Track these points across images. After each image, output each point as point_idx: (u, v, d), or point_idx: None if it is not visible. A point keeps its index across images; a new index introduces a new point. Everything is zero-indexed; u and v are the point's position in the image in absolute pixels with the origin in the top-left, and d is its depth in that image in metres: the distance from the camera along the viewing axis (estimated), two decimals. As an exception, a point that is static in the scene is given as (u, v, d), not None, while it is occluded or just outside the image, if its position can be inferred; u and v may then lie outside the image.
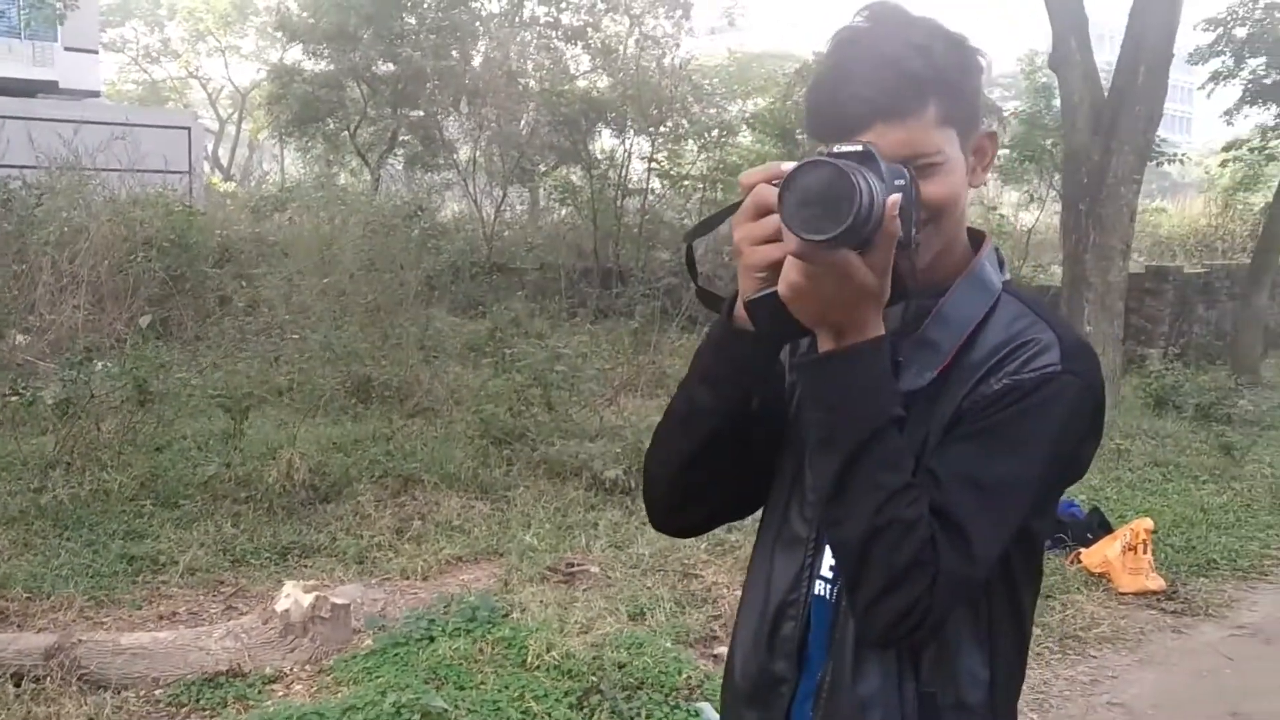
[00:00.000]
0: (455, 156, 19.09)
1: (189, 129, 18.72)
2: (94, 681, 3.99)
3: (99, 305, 9.88)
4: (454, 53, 18.73)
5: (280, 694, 4.11)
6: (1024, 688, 1.44)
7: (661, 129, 15.89)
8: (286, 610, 4.36)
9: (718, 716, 1.57)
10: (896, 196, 1.17)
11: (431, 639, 4.45)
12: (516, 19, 19.79)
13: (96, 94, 22.93)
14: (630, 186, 16.31)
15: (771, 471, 1.47)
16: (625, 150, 16.50)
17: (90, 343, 8.40)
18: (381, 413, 8.16)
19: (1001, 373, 1.28)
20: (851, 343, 1.22)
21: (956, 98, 1.31)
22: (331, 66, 19.10)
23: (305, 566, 5.47)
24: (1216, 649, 5.15)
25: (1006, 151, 15.37)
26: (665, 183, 16.58)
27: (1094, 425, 1.34)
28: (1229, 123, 15.64)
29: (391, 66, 18.63)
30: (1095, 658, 4.95)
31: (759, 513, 1.53)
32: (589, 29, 19.01)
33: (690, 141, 16.47)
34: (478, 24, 19.36)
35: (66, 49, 21.16)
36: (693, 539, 5.43)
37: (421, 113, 19.16)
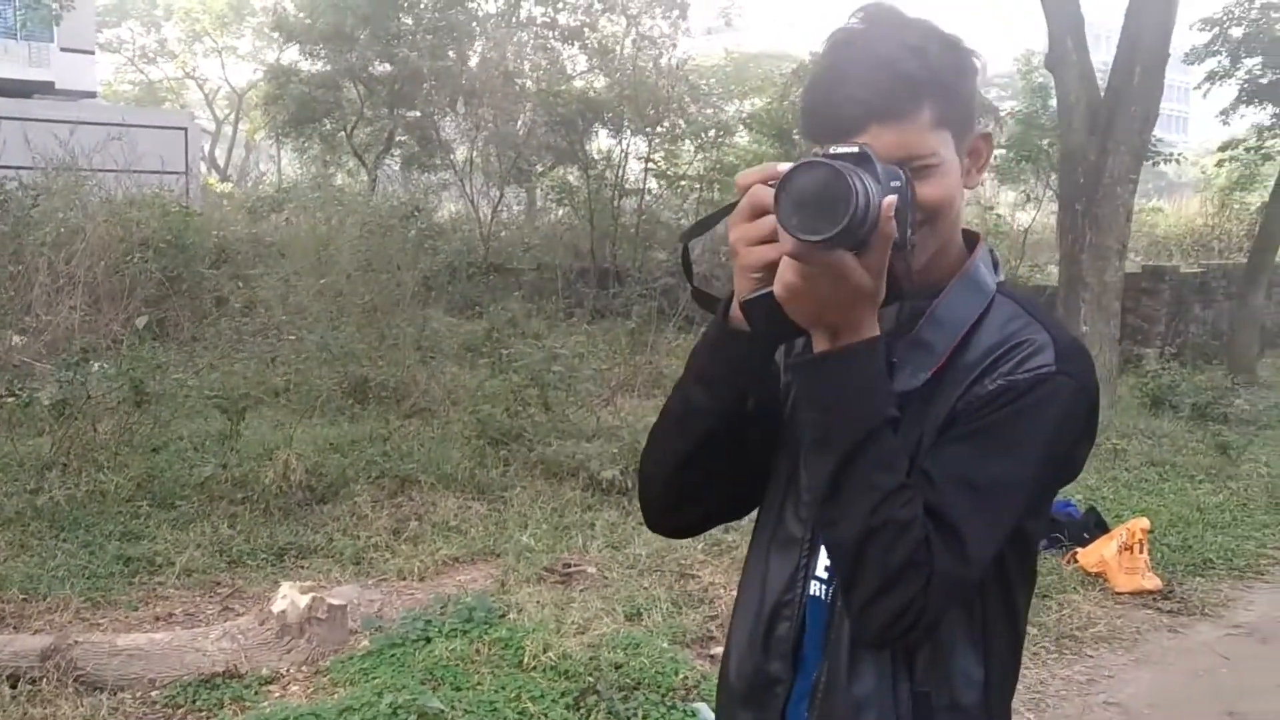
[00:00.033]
0: (452, 157, 19.08)
1: (185, 129, 18.70)
2: (90, 683, 3.98)
3: (95, 306, 9.87)
4: (451, 53, 18.72)
5: (277, 695, 4.11)
6: (1020, 687, 1.45)
7: (658, 129, 15.89)
8: (283, 611, 4.36)
9: (714, 717, 1.57)
10: (892, 198, 1.17)
11: (428, 640, 4.45)
12: (513, 19, 19.77)
13: (93, 95, 22.91)
14: (627, 187, 16.31)
15: (767, 472, 1.47)
16: (622, 150, 16.51)
17: (86, 344, 8.38)
18: (378, 413, 8.16)
19: (996, 374, 1.29)
20: (847, 343, 1.23)
21: (951, 100, 1.31)
22: (328, 67, 19.09)
23: (302, 567, 5.46)
24: (1213, 648, 5.16)
25: (1003, 151, 15.39)
26: (662, 183, 16.58)
27: (1088, 426, 1.34)
28: (1225, 122, 15.64)
29: (388, 67, 18.62)
30: (1092, 657, 4.95)
31: (755, 513, 1.53)
32: (586, 29, 19.00)
33: (687, 142, 16.48)
34: (474, 24, 19.35)
35: (62, 50, 21.15)
36: (689, 539, 5.43)
37: (418, 113, 19.14)
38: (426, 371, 9.15)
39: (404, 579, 5.38)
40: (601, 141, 17.67)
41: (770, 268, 1.21)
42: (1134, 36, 9.25)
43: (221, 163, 36.50)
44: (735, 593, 1.54)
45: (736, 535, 5.65)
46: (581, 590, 5.18)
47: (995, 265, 1.41)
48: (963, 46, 1.34)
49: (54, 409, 6.53)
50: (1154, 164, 14.84)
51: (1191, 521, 6.86)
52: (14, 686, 3.88)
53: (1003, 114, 16.36)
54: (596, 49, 18.67)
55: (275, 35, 21.88)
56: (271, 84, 20.63)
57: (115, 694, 3.97)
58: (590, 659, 4.30)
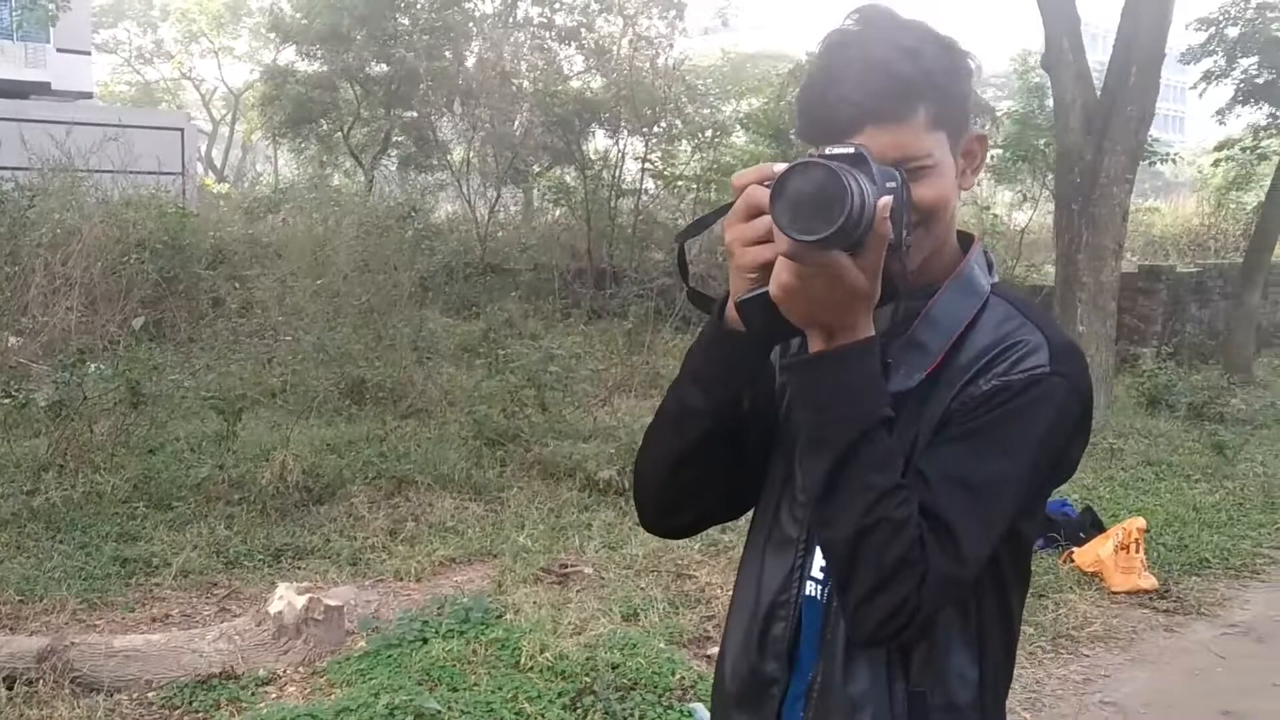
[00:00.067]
0: (449, 157, 19.09)
1: (182, 130, 18.71)
2: (87, 684, 3.98)
3: (92, 307, 9.86)
4: (447, 53, 18.72)
5: (273, 696, 4.11)
6: (1017, 687, 1.46)
7: (655, 129, 15.91)
8: (280, 612, 4.36)
9: (710, 718, 1.57)
10: (888, 199, 1.18)
11: (425, 640, 4.45)
12: (510, 19, 19.77)
13: (89, 95, 22.91)
14: (624, 187, 16.33)
15: (762, 473, 1.47)
16: (619, 151, 16.52)
17: (83, 345, 8.36)
18: (375, 414, 8.16)
19: (990, 374, 1.29)
20: (842, 343, 1.23)
21: (947, 101, 1.31)
22: (325, 67, 19.09)
23: (298, 568, 5.46)
24: (1209, 648, 5.16)
25: (1000, 151, 15.40)
26: (659, 183, 16.60)
27: (1082, 426, 1.34)
28: (1221, 122, 15.66)
29: (385, 67, 18.63)
30: (1088, 657, 4.96)
31: (750, 513, 1.53)
32: (582, 29, 19.00)
33: (684, 142, 16.50)
34: (471, 25, 19.35)
35: (59, 50, 21.14)
36: (686, 540, 5.43)
37: (415, 114, 19.15)
38: (423, 372, 9.15)
39: (401, 580, 5.38)
40: (598, 142, 17.69)
41: (766, 268, 1.21)
42: (1130, 36, 9.26)
43: (218, 163, 36.46)
44: (732, 593, 1.54)
45: (733, 535, 5.65)
46: (578, 591, 5.18)
47: (990, 266, 1.42)
48: (958, 48, 1.34)
49: (50, 410, 6.52)
50: (1150, 164, 14.87)
51: (1187, 521, 6.86)
52: (10, 688, 3.88)
53: (999, 114, 16.38)
54: (593, 49, 18.68)
55: (272, 36, 21.88)
56: (268, 84, 20.64)
57: (112, 695, 3.97)
58: (587, 659, 4.30)
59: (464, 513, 6.33)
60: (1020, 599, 1.42)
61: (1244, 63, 14.30)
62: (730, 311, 1.31)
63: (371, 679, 4.13)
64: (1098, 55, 10.76)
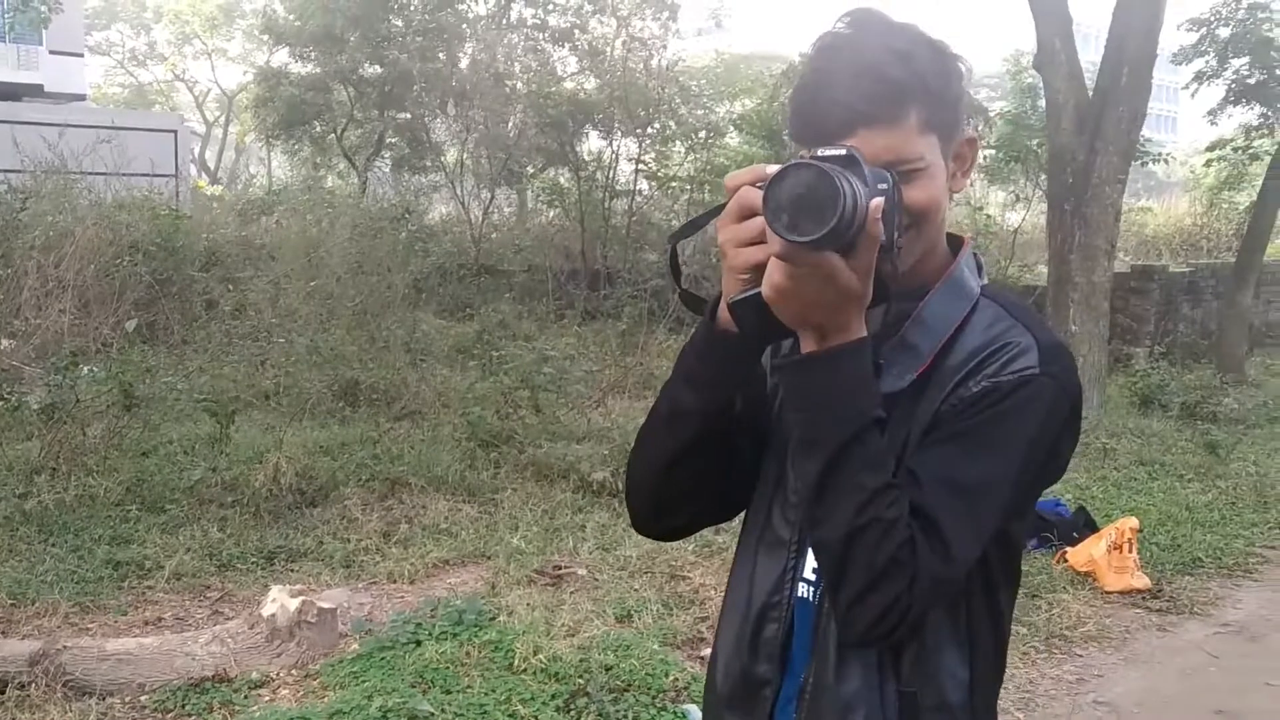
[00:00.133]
0: (442, 159, 19.08)
1: (175, 132, 18.71)
2: (79, 688, 3.97)
3: (85, 309, 9.85)
4: (441, 55, 18.72)
5: (267, 699, 4.10)
6: (1010, 687, 1.46)
7: (649, 130, 15.90)
8: (273, 615, 4.35)
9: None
10: (879, 200, 1.18)
11: (418, 643, 4.45)
12: (503, 21, 19.78)
13: (82, 97, 22.88)
14: (618, 188, 16.32)
15: (755, 474, 1.48)
16: (613, 152, 16.52)
17: (76, 347, 8.35)
18: (368, 416, 8.15)
19: (980, 375, 1.30)
20: (834, 344, 1.23)
21: (938, 104, 1.31)
22: (318, 69, 19.08)
23: (292, 571, 5.45)
24: (1201, 647, 5.17)
25: (993, 152, 15.43)
26: (653, 184, 16.59)
27: (1071, 426, 1.35)
28: (1213, 122, 15.71)
29: (378, 69, 18.62)
30: (1081, 656, 4.96)
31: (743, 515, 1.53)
32: (576, 31, 19.02)
33: (678, 143, 16.51)
34: (464, 26, 19.35)
35: (51, 52, 21.12)
36: (679, 541, 5.43)
37: (408, 115, 19.14)
38: (417, 374, 9.14)
39: (394, 582, 5.37)
40: (592, 143, 17.71)
41: (759, 269, 1.22)
42: (1121, 37, 9.29)
43: (212, 165, 36.43)
44: (724, 595, 1.54)
45: (727, 537, 5.64)
46: (572, 592, 5.17)
47: (979, 268, 1.42)
48: (949, 51, 1.34)
49: (43, 413, 6.50)
50: (1143, 164, 14.90)
51: (1180, 520, 6.88)
52: (2, 692, 3.87)
53: (992, 114, 16.41)
54: (587, 51, 18.70)
55: (265, 38, 21.86)
56: (261, 86, 20.62)
57: (104, 699, 3.96)
58: (580, 661, 4.30)
59: (457, 514, 6.32)
60: (1010, 599, 1.42)
61: (1235, 63, 14.34)
62: (723, 312, 1.31)
63: (365, 681, 4.12)
64: (1090, 55, 10.77)
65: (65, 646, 4.07)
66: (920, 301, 1.35)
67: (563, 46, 19.30)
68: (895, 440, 1.30)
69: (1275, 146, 13.80)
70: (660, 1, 18.33)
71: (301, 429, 7.68)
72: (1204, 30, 14.24)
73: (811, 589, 1.38)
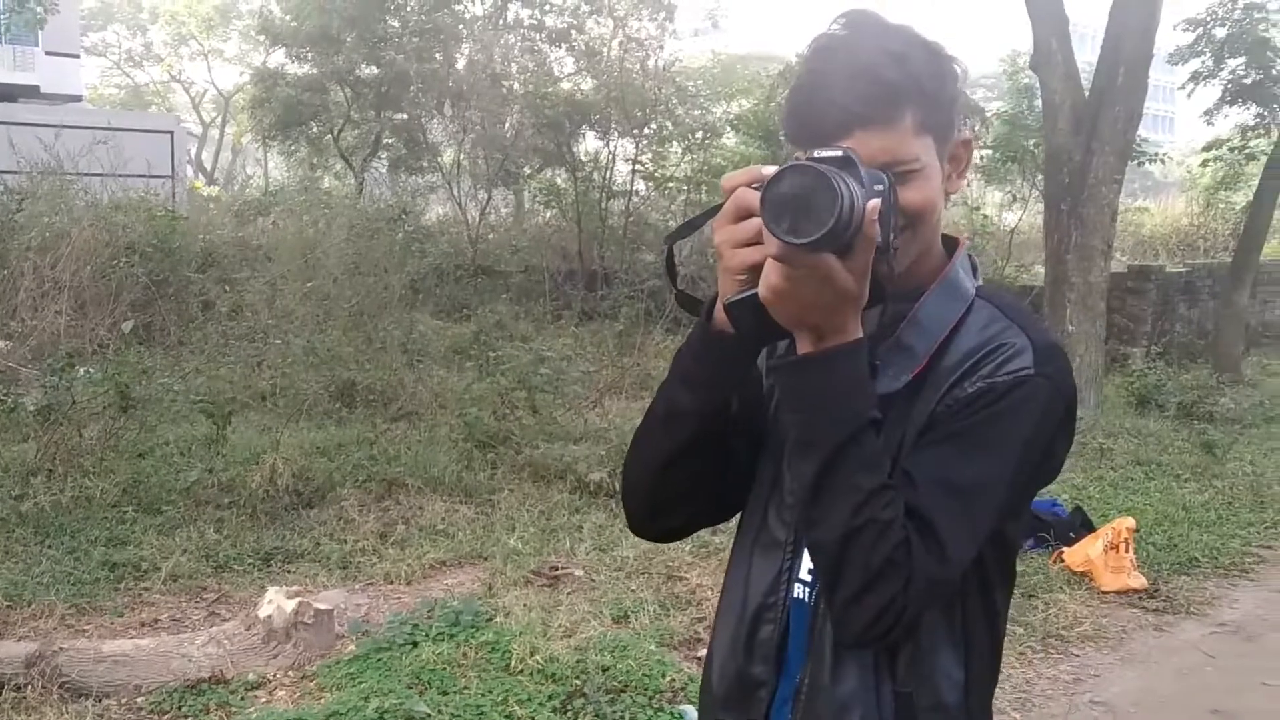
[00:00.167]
0: (439, 159, 19.07)
1: (172, 133, 18.69)
2: (75, 689, 3.96)
3: (81, 311, 9.84)
4: (437, 55, 18.71)
5: (263, 700, 4.09)
6: (1006, 687, 1.46)
7: (646, 131, 15.92)
8: (269, 616, 4.35)
9: (699, 720, 1.57)
10: (876, 201, 1.18)
11: (415, 644, 4.44)
12: (500, 21, 19.77)
13: (78, 98, 22.86)
14: (615, 189, 16.33)
15: (751, 475, 1.48)
16: (609, 152, 16.53)
17: (72, 348, 8.34)
18: (365, 417, 8.14)
19: (975, 376, 1.30)
20: (831, 345, 1.23)
21: (933, 106, 1.32)
22: (315, 70, 19.07)
23: (288, 572, 5.44)
24: (1198, 647, 5.18)
25: (989, 152, 15.44)
26: (650, 185, 16.60)
27: (1066, 427, 1.35)
28: (1209, 122, 15.74)
29: (375, 70, 18.60)
30: (1078, 656, 4.97)
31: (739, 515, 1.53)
32: (573, 31, 19.02)
33: (674, 143, 16.51)
34: (461, 27, 19.33)
35: (48, 53, 21.11)
36: (677, 541, 5.43)
37: (405, 116, 19.13)
38: (414, 374, 9.14)
39: (391, 583, 5.37)
40: (589, 143, 17.72)
41: (755, 270, 1.22)
42: (1118, 37, 9.30)
43: (208, 166, 36.42)
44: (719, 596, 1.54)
45: (724, 537, 5.64)
46: (569, 593, 5.17)
47: (974, 269, 1.43)
48: (944, 53, 1.35)
49: (39, 414, 6.50)
50: (1139, 164, 14.92)
51: (1177, 520, 6.88)
52: (-2, 693, 3.86)
53: (988, 115, 16.42)
54: (584, 51, 18.69)
55: (261, 38, 21.86)
56: (258, 87, 20.60)
57: (100, 700, 3.95)
58: (577, 662, 4.30)
59: (454, 515, 6.32)
60: (1005, 599, 1.42)
61: (1231, 63, 14.37)
62: (719, 313, 1.31)
63: (361, 683, 4.12)
64: (1086, 56, 10.78)
65: (61, 648, 4.06)
66: (916, 302, 1.35)
67: (559, 47, 19.30)
68: (891, 441, 1.30)
69: (1272, 146, 13.82)
70: (657, 2, 18.33)
71: (298, 430, 7.67)
72: (1200, 30, 14.27)
73: (807, 590, 1.38)
